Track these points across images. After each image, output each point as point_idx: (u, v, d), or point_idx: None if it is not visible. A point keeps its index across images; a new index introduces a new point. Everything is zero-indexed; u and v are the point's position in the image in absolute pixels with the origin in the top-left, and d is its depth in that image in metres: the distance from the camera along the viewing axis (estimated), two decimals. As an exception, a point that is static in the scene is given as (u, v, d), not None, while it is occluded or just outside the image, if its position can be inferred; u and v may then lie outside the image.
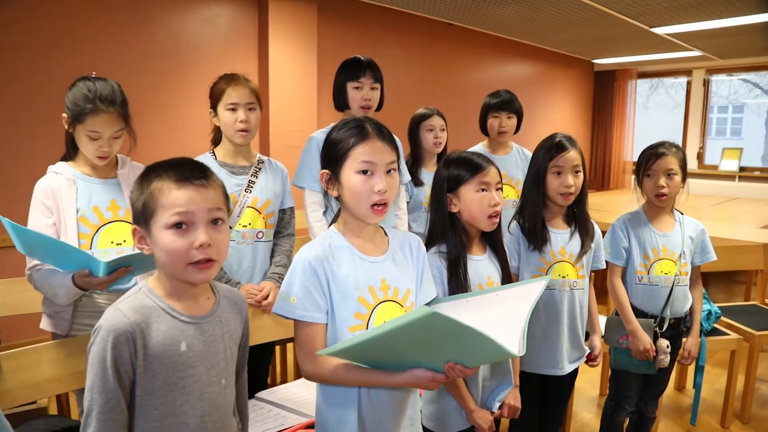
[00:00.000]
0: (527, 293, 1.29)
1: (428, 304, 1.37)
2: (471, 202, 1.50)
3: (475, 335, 1.00)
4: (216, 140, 2.02)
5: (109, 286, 1.54)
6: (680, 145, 2.03)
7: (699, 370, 2.59)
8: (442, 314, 0.96)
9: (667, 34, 5.69)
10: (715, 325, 2.77)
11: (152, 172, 1.05)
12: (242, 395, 1.27)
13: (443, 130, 2.49)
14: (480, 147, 2.69)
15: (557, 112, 7.67)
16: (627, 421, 2.27)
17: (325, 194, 2.13)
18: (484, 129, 2.62)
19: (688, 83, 7.55)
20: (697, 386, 2.67)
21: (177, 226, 1.01)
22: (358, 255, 1.26)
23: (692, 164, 7.43)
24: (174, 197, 1.01)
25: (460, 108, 5.21)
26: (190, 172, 1.03)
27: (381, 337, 1.03)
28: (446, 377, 1.13)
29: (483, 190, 1.50)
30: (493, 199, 1.50)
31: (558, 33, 6.04)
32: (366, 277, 1.24)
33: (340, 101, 2.21)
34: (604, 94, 8.16)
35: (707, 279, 3.00)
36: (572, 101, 7.96)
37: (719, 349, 2.76)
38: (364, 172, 1.20)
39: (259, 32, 4.28)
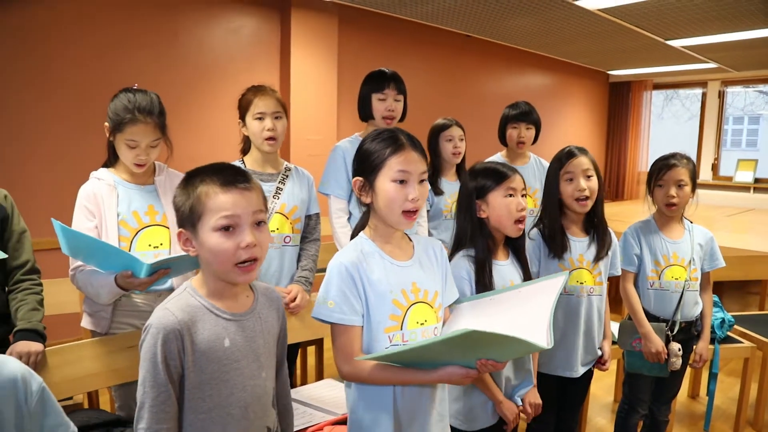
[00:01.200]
0: (549, 288, 1.36)
1: (453, 303, 1.45)
2: (499, 207, 1.58)
3: (510, 340, 1.08)
4: (245, 149, 2.11)
5: (148, 287, 1.63)
6: (694, 156, 2.10)
7: (712, 377, 2.64)
8: (481, 330, 1.05)
9: (682, 47, 5.72)
10: (729, 333, 2.81)
11: (196, 176, 1.11)
12: (285, 389, 1.34)
13: (462, 140, 2.56)
14: (498, 157, 2.76)
15: (572, 123, 7.71)
16: (641, 424, 2.32)
17: (350, 200, 2.23)
18: (503, 139, 2.69)
19: (704, 95, 7.55)
20: (710, 393, 2.71)
21: (224, 228, 1.08)
22: (389, 260, 1.34)
23: (707, 175, 7.42)
24: (221, 201, 1.08)
25: (477, 118, 5.28)
26: (233, 176, 1.11)
27: (421, 348, 1.13)
28: (478, 372, 1.21)
29: (510, 195, 1.58)
30: (520, 204, 1.58)
31: (573, 45, 6.09)
32: (397, 280, 1.32)
33: (365, 112, 2.29)
34: (619, 105, 8.18)
35: (721, 288, 3.04)
36: (587, 112, 7.99)
37: (733, 356, 2.79)
38: (400, 181, 1.27)
39: (281, 43, 4.40)
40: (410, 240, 1.43)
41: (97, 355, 1.74)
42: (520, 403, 1.65)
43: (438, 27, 5.35)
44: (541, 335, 1.18)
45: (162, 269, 1.55)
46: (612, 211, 6.06)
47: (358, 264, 1.29)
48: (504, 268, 1.65)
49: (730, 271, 3.02)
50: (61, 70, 3.29)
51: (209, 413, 1.11)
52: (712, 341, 2.63)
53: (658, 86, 8.14)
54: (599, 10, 4.37)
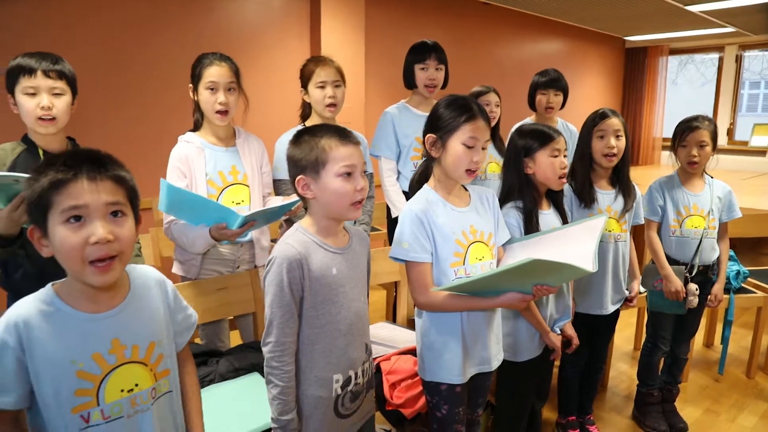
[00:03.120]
0: (591, 226, 1.61)
1: (506, 243, 1.69)
2: (545, 165, 1.79)
3: (564, 266, 1.32)
4: (305, 115, 2.32)
5: (237, 238, 1.87)
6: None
7: (727, 325, 2.87)
8: (542, 259, 1.28)
9: (701, 12, 5.74)
10: (744, 285, 3.03)
11: (314, 133, 1.34)
12: None
13: (498, 105, 2.76)
14: (528, 122, 2.96)
15: (588, 89, 7.79)
16: (662, 362, 2.57)
17: (398, 161, 2.45)
18: (532, 105, 2.89)
19: (720, 59, 7.57)
20: (725, 340, 2.94)
21: (346, 174, 1.31)
22: (450, 207, 1.58)
23: (722, 140, 7.49)
24: (342, 152, 1.31)
25: (497, 84, 5.34)
26: (346, 133, 1.35)
27: (489, 277, 1.37)
28: (534, 296, 1.45)
29: (555, 155, 1.79)
30: (563, 163, 1.80)
31: (590, 11, 6.10)
32: (458, 224, 1.56)
33: (409, 80, 2.50)
34: (635, 71, 8.21)
35: (736, 246, 3.27)
36: (603, 78, 8.05)
37: (747, 305, 3.02)
38: (469, 146, 1.50)
39: (311, 17, 4.56)
40: (467, 190, 1.66)
41: (188, 297, 1.96)
42: (560, 333, 1.91)
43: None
44: (587, 262, 1.41)
45: (250, 221, 1.79)
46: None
47: (425, 211, 1.53)
48: (547, 216, 1.88)
49: (745, 229, 3.24)
50: (113, 49, 3.49)
51: (322, 328, 1.36)
52: (728, 291, 2.86)
53: (674, 51, 8.16)
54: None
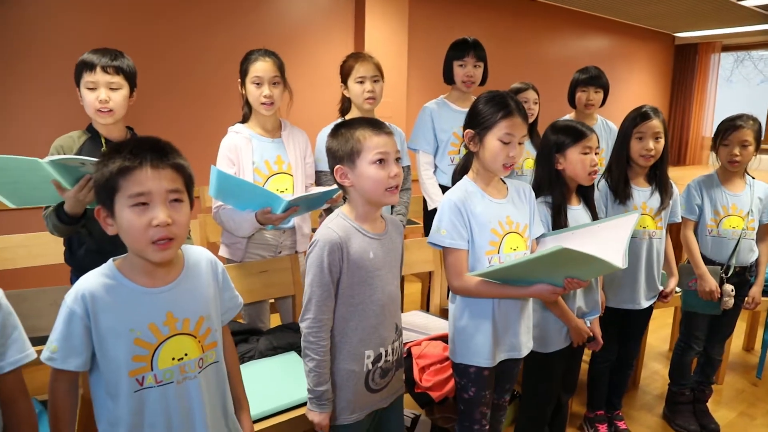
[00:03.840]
0: (623, 223, 1.65)
1: (539, 237, 1.74)
2: (576, 162, 1.83)
3: (593, 259, 1.37)
4: (345, 109, 2.42)
5: (280, 223, 1.98)
6: (764, 120, 2.25)
7: (767, 328, 2.83)
8: (570, 249, 1.33)
9: (756, 6, 5.59)
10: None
11: (348, 126, 1.44)
12: None
13: (536, 103, 2.79)
14: (568, 117, 2.97)
15: (634, 86, 7.64)
16: (695, 362, 2.57)
17: (435, 155, 2.53)
18: (572, 102, 2.90)
19: (777, 56, 7.30)
20: (765, 343, 2.91)
21: (379, 161, 1.40)
22: (488, 198, 1.65)
23: (776, 141, 7.23)
24: (375, 141, 1.40)
25: (540, 81, 5.34)
26: (379, 124, 1.44)
27: (520, 265, 1.43)
28: (564, 289, 1.51)
29: (586, 153, 1.83)
30: (594, 160, 1.83)
31: (640, 7, 6.03)
32: (495, 214, 1.63)
33: (448, 76, 2.56)
34: (685, 68, 8.01)
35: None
36: (651, 75, 7.88)
37: (789, 308, 2.96)
38: (505, 142, 1.57)
39: (355, 13, 4.67)
40: (504, 183, 1.73)
41: (233, 278, 2.03)
42: (589, 325, 1.95)
43: (504, -7, 5.46)
44: (617, 258, 1.46)
45: (293, 206, 1.90)
46: (673, 175, 6.02)
47: (464, 200, 1.61)
48: (576, 212, 1.92)
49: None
50: (166, 44, 3.69)
51: (356, 307, 1.46)
52: (767, 293, 2.82)
53: (727, 48, 7.90)
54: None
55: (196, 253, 1.31)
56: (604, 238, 1.60)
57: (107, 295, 1.14)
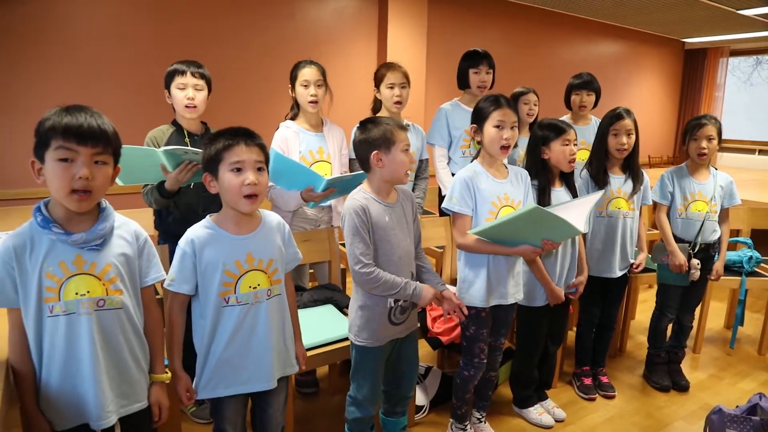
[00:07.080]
0: (589, 199, 2.12)
1: None
2: (558, 152, 2.28)
3: (560, 221, 1.83)
4: (375, 109, 2.89)
5: (320, 201, 2.46)
6: None
7: (740, 304, 3.23)
8: (541, 208, 1.80)
9: (756, 15, 5.87)
10: (757, 269, 3.36)
11: (377, 122, 1.87)
12: (422, 256, 2.09)
13: (536, 104, 3.23)
14: (564, 119, 3.41)
15: (644, 90, 7.94)
16: (669, 328, 2.99)
17: (449, 149, 2.99)
18: (568, 104, 3.33)
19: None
20: (737, 317, 3.29)
21: (405, 150, 1.86)
22: (491, 178, 2.11)
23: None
24: (402, 135, 1.85)
25: (550, 85, 5.79)
26: (400, 123, 1.90)
27: (505, 222, 1.89)
28: (542, 250, 1.98)
29: (566, 144, 2.27)
30: (572, 151, 2.28)
31: (645, 15, 6.34)
32: (496, 191, 2.10)
33: (463, 82, 3.03)
34: (694, 73, 8.30)
35: (756, 236, 3.61)
36: (660, 80, 8.17)
37: (759, 287, 3.33)
38: (498, 127, 2.03)
39: (378, 22, 5.14)
40: (506, 167, 2.19)
41: None
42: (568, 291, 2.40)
43: (515, 2, 5.87)
44: (580, 222, 1.91)
45: (330, 187, 2.35)
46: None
47: (471, 177, 2.08)
48: (559, 192, 2.37)
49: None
50: (205, 50, 4.21)
51: (379, 258, 1.89)
52: (740, 274, 3.22)
53: (735, 53, 8.18)
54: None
55: (270, 215, 1.79)
56: (574, 211, 2.06)
57: (206, 239, 1.61)
